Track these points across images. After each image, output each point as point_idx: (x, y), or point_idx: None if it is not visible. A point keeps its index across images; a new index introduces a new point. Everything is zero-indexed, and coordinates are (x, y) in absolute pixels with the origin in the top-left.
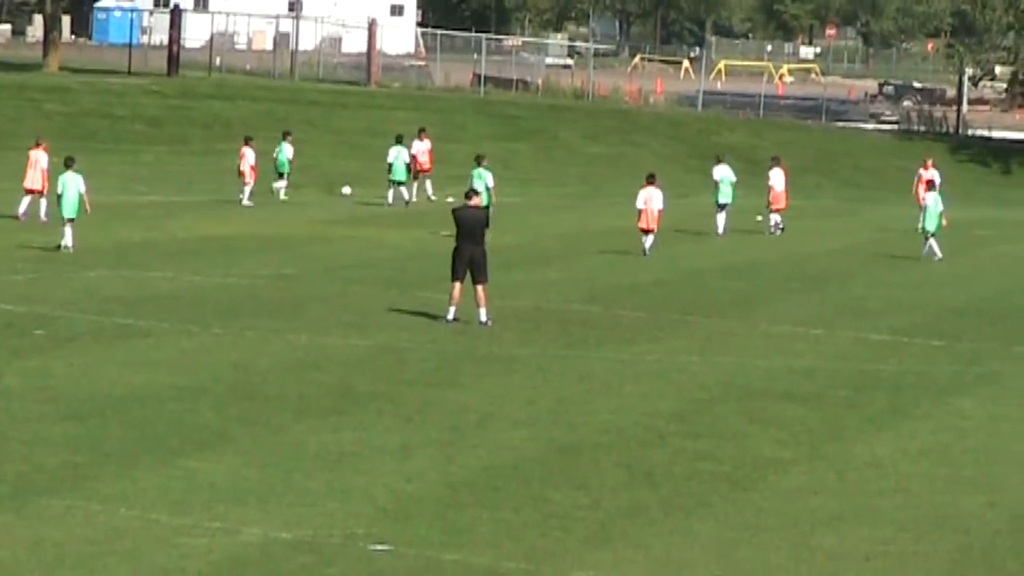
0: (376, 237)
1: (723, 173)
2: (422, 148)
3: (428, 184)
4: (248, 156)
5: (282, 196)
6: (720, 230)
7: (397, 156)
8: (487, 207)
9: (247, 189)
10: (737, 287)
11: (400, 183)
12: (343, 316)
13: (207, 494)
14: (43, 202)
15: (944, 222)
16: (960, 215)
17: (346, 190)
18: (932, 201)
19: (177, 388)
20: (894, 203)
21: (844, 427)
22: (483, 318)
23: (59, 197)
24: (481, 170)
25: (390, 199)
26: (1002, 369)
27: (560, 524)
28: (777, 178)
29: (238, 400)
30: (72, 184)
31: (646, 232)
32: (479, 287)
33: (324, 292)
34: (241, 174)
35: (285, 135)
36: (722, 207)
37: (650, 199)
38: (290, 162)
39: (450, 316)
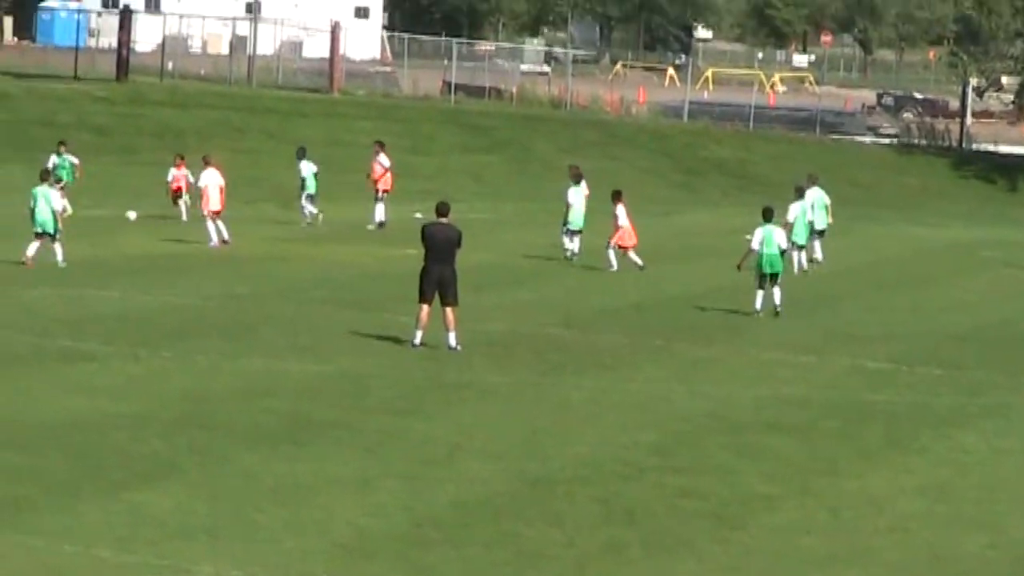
0: (336, 256)
1: (815, 196)
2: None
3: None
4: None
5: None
6: (819, 256)
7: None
8: (573, 231)
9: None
10: (723, 311)
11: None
12: (299, 339)
13: (154, 529)
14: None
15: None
16: (963, 235)
17: (131, 215)
18: (800, 211)
19: (122, 416)
20: (891, 222)
21: (836, 461)
22: (452, 343)
23: (31, 211)
24: (582, 185)
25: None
26: (1007, 401)
27: (532, 563)
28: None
29: (187, 429)
30: (42, 198)
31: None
32: (448, 310)
33: (279, 314)
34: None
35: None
36: (819, 233)
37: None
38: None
39: (416, 340)
